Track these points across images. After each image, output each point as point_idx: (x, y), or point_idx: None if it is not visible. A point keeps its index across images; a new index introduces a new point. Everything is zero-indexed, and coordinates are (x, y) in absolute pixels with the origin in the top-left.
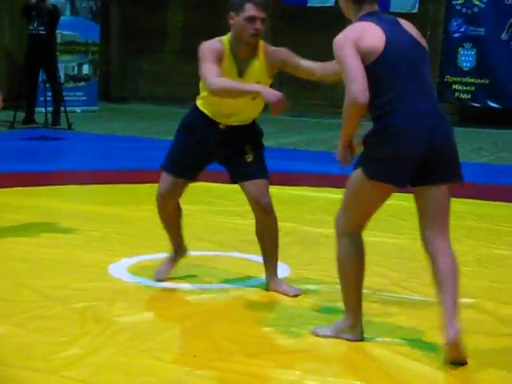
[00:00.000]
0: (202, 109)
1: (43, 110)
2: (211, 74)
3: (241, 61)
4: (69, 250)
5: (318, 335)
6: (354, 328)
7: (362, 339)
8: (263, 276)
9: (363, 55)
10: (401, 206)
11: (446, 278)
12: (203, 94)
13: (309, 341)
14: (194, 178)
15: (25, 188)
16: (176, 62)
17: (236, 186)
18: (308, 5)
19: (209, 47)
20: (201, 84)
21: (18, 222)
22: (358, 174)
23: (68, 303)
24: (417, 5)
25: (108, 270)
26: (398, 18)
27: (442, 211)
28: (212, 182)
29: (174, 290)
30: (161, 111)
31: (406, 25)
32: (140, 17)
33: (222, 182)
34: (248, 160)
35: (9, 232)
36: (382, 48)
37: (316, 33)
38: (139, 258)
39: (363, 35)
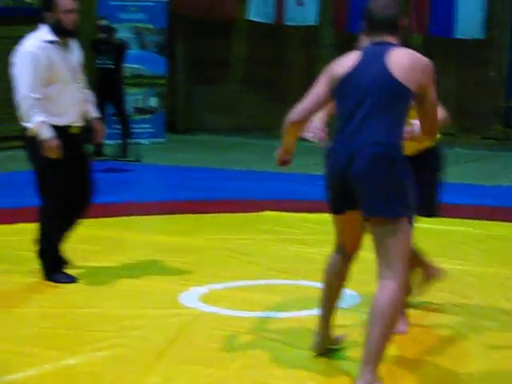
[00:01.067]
0: None
1: (112, 142)
2: None
3: None
4: (139, 279)
5: None
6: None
7: None
8: None
9: (332, 81)
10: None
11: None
12: None
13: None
14: None
15: (95, 219)
16: (240, 93)
17: (301, 215)
18: (455, 36)
19: None
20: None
21: (89, 252)
22: None
23: (141, 332)
24: (482, 31)
25: (179, 299)
26: (393, 50)
27: (377, 245)
28: (278, 210)
29: (245, 318)
30: (226, 141)
31: (397, 57)
32: (204, 49)
33: (288, 211)
34: None
35: (81, 262)
36: (342, 77)
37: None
38: (209, 286)
39: (339, 63)
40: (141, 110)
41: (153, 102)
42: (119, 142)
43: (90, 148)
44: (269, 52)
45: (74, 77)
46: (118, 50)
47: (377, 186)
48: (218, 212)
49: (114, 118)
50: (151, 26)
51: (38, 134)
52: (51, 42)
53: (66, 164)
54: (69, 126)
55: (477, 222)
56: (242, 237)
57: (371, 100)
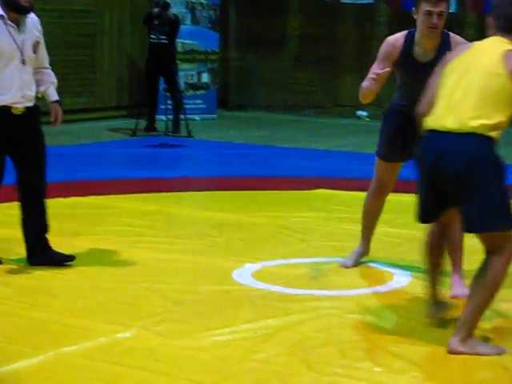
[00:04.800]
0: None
1: (164, 117)
2: None
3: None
4: (192, 255)
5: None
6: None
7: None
8: (385, 283)
9: None
10: None
11: None
12: (507, 118)
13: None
14: None
15: (148, 194)
16: (294, 70)
17: (354, 194)
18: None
19: None
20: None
21: (142, 227)
22: None
23: (194, 307)
24: None
25: (232, 276)
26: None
27: None
28: (331, 189)
29: (296, 295)
30: (278, 119)
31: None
32: (258, 25)
33: (340, 189)
34: None
35: (133, 237)
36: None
37: None
38: (263, 263)
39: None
40: (193, 86)
41: (205, 77)
42: (171, 117)
43: (141, 123)
44: (323, 29)
45: (21, 56)
46: (172, 25)
47: None
48: (271, 189)
49: (166, 93)
50: (204, 1)
51: None
52: None
53: (3, 144)
54: (10, 106)
55: None
56: (295, 214)
57: None
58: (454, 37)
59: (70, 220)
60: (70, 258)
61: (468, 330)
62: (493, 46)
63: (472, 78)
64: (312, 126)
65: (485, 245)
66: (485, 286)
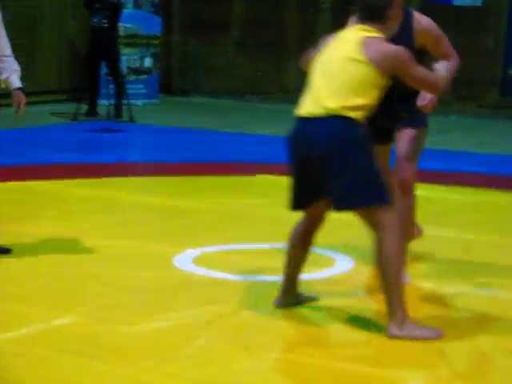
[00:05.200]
0: (362, 122)
1: (106, 102)
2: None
3: None
4: (134, 241)
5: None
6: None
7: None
8: (327, 269)
9: None
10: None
11: None
12: (370, 100)
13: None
14: None
15: (88, 179)
16: (236, 56)
17: None
18: (454, 3)
19: None
20: (370, 82)
21: (82, 212)
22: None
23: (135, 293)
24: None
25: (173, 261)
26: None
27: None
28: (274, 174)
29: (236, 281)
30: (221, 104)
31: None
32: (201, 10)
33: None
34: None
35: (74, 222)
36: None
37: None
38: (203, 249)
39: None
40: (135, 71)
41: (147, 62)
42: (113, 102)
43: (82, 108)
44: (267, 15)
45: None
46: (113, 9)
47: None
48: (213, 175)
49: (108, 77)
50: None
51: None
52: None
53: None
54: None
55: (472, 189)
56: (237, 200)
57: None
58: (416, 14)
59: (10, 205)
60: (7, 251)
61: (395, 311)
62: (353, 34)
63: (332, 66)
64: (257, 112)
65: (366, 222)
66: (384, 264)
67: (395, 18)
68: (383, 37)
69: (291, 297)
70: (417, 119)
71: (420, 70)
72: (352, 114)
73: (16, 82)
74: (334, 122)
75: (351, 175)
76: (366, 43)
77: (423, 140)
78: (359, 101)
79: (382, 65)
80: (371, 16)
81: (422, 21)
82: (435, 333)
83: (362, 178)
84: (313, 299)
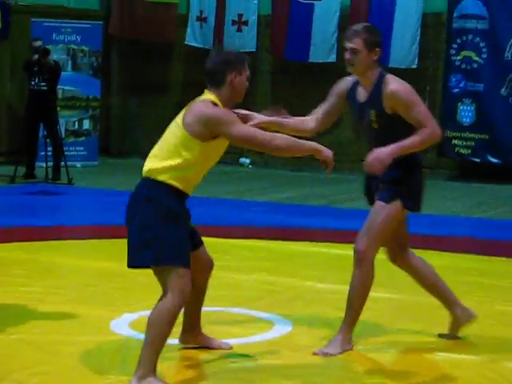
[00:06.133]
0: (173, 183)
1: (44, 164)
2: None
3: None
4: (70, 305)
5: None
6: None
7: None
8: (265, 332)
9: None
10: None
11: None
12: (183, 163)
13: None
14: None
15: (25, 243)
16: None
17: (235, 241)
18: (309, 60)
19: None
20: (186, 151)
21: (18, 277)
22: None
23: (69, 359)
24: (416, 60)
25: (110, 326)
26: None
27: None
28: (211, 236)
29: (172, 345)
30: None
31: None
32: (140, 72)
33: (221, 237)
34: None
35: (9, 287)
36: None
37: (316, 87)
38: (140, 313)
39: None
40: (74, 133)
41: (86, 124)
42: (51, 164)
43: (21, 170)
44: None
45: None
46: (52, 72)
47: None
48: None
49: (46, 140)
50: (86, 48)
51: None
52: None
53: None
54: None
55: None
56: None
57: None
58: (388, 78)
59: None
60: None
61: (143, 367)
62: (196, 99)
63: (168, 130)
64: None
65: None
66: (150, 322)
67: (240, 84)
68: (218, 100)
69: (192, 336)
70: (385, 192)
71: (243, 130)
72: (159, 177)
73: None
74: (140, 184)
75: (138, 234)
76: (191, 107)
77: (388, 217)
78: (170, 162)
79: (194, 127)
80: (209, 80)
81: (391, 85)
82: None
83: (148, 238)
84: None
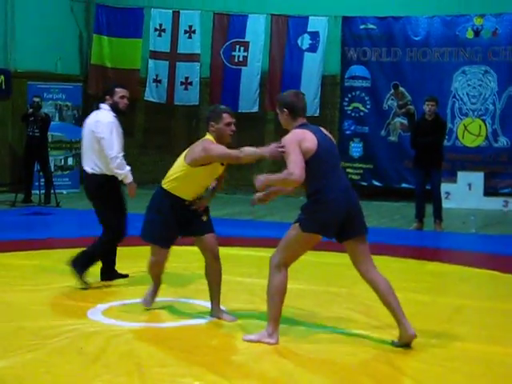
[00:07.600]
0: (173, 192)
1: (38, 192)
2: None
3: None
4: (56, 298)
5: (248, 340)
6: (274, 335)
7: (277, 343)
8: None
9: (304, 153)
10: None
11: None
12: (182, 179)
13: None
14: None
15: (23, 251)
16: (139, 155)
17: (188, 248)
18: (239, 110)
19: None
20: (180, 172)
21: (15, 277)
22: (296, 228)
23: (56, 341)
24: (318, 110)
25: (87, 314)
26: (319, 127)
27: (367, 252)
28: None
29: (130, 327)
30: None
31: (325, 131)
32: None
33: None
34: (204, 220)
35: (7, 286)
36: (315, 149)
37: (243, 131)
38: (111, 304)
39: (304, 139)
40: (61, 167)
41: (70, 161)
42: (43, 191)
43: (19, 197)
44: (161, 124)
45: None
46: (43, 122)
47: (361, 211)
48: (132, 245)
49: (39, 173)
50: (69, 104)
51: None
52: None
53: None
54: None
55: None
56: (137, 264)
57: (337, 159)
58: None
59: None
60: None
61: None
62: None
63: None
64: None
65: None
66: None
67: (218, 130)
68: (213, 138)
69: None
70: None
71: (220, 150)
72: (163, 185)
73: None
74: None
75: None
76: (193, 144)
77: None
78: (170, 178)
79: (190, 158)
80: (206, 124)
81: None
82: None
83: (143, 219)
84: None
